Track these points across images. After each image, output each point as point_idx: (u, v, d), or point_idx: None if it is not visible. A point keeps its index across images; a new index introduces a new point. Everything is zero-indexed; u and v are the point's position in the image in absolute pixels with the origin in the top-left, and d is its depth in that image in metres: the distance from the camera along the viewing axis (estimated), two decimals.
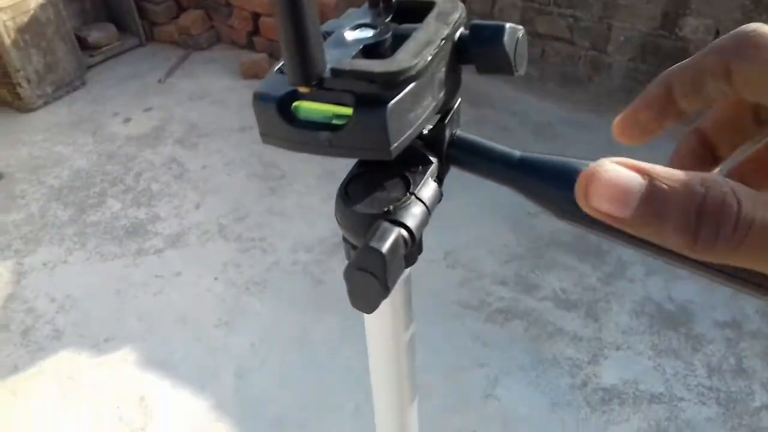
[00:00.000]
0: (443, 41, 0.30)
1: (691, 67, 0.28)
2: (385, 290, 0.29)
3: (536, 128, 2.87)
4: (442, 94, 0.32)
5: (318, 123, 0.30)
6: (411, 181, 0.34)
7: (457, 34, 0.32)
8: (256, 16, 3.34)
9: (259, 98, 0.31)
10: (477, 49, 0.32)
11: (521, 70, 0.33)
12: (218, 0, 3.45)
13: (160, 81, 3.28)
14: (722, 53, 0.26)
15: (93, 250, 2.37)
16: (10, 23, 2.91)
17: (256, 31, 3.40)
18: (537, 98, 3.06)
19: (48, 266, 2.32)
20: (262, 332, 2.02)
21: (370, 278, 0.29)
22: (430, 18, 0.31)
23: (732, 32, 0.26)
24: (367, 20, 0.32)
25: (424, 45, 0.29)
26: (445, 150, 0.35)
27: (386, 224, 0.30)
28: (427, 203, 0.34)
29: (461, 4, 0.33)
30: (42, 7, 3.03)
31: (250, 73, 3.22)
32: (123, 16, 3.54)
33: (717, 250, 0.21)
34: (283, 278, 2.18)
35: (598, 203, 0.22)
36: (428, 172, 0.34)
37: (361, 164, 0.34)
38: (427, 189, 0.34)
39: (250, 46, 3.46)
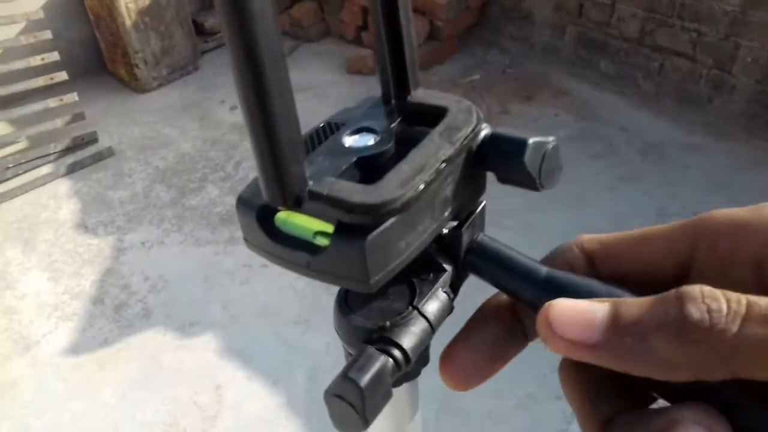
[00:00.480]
0: (444, 164, 0.26)
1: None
2: (364, 423, 0.26)
3: (645, 148, 2.72)
4: (448, 212, 0.28)
5: (299, 240, 0.27)
6: (417, 290, 0.30)
7: (475, 143, 0.28)
8: (366, 11, 3.35)
9: (242, 203, 0.28)
10: (496, 162, 0.29)
11: (551, 186, 0.29)
12: None
13: None
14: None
15: (189, 234, 2.45)
16: (132, 5, 3.05)
17: (365, 26, 3.41)
18: (650, 115, 2.90)
19: (146, 245, 2.42)
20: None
21: (348, 407, 0.26)
22: (434, 134, 0.27)
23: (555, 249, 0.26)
24: (371, 124, 0.29)
25: (418, 170, 0.26)
26: (463, 256, 0.31)
27: (371, 351, 0.27)
28: (431, 319, 0.30)
29: (476, 114, 0.29)
30: None
31: (355, 68, 3.23)
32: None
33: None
34: None
35: (565, 330, 0.22)
36: (439, 282, 0.30)
37: None
38: (434, 303, 0.30)
39: (358, 41, 3.47)
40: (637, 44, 2.91)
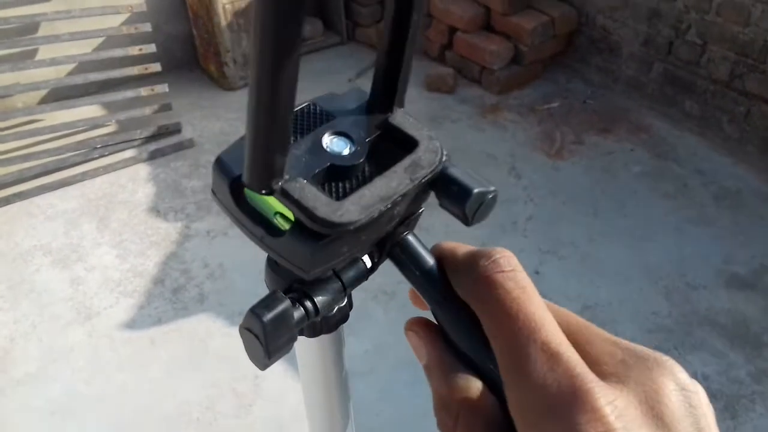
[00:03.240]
0: (401, 198, 0.30)
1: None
2: (267, 355, 0.30)
3: (720, 193, 2.63)
4: (392, 225, 0.32)
5: (260, 215, 0.30)
6: None
7: (432, 177, 0.31)
8: (452, 30, 3.38)
9: (219, 166, 0.31)
10: (442, 195, 0.32)
11: (479, 222, 0.33)
12: None
13: (349, 80, 3.43)
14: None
15: None
16: (229, 6, 3.19)
17: (449, 45, 3.44)
18: (731, 161, 2.80)
19: (210, 234, 2.52)
20: (378, 341, 2.04)
21: (255, 340, 0.30)
22: (400, 166, 0.30)
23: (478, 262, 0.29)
24: (351, 130, 0.32)
25: (377, 200, 0.29)
26: (388, 246, 0.34)
27: (279, 294, 0.31)
28: (345, 281, 0.34)
29: (440, 155, 0.31)
30: None
31: (434, 86, 3.26)
32: (331, 13, 3.74)
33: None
34: None
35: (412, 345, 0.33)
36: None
37: None
38: (350, 269, 0.34)
39: (441, 59, 3.50)
40: (725, 87, 2.82)
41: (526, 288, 0.28)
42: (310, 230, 0.28)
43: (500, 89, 3.26)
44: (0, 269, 2.39)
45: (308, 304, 0.32)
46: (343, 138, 0.32)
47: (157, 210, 2.64)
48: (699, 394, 0.26)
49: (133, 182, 2.79)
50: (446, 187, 0.31)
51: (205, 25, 3.29)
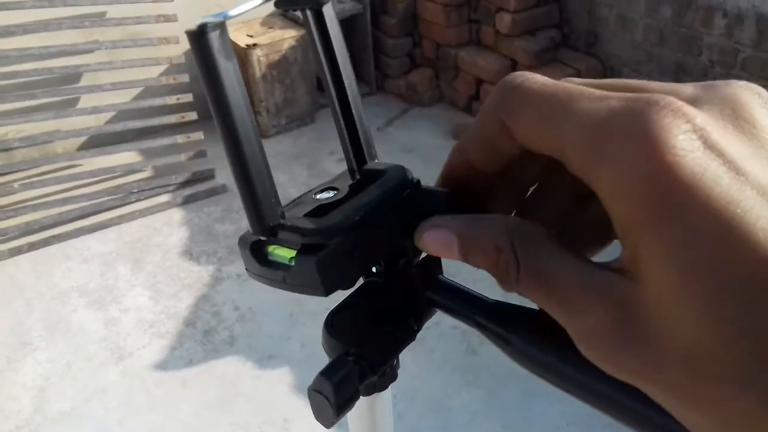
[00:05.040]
0: (376, 205, 0.33)
1: (477, 136, 0.28)
2: (336, 413, 0.34)
3: None
4: (388, 242, 0.35)
5: (279, 264, 0.34)
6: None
7: (404, 193, 0.35)
8: (479, 82, 3.46)
9: (241, 241, 0.36)
10: (416, 208, 0.35)
11: None
12: (448, 62, 3.62)
13: (378, 129, 3.51)
14: (494, 114, 0.26)
15: None
16: (263, 59, 3.31)
17: (476, 95, 3.52)
18: None
19: (241, 278, 2.57)
20: (406, 386, 2.06)
21: (324, 400, 0.34)
22: (373, 186, 0.34)
23: (499, 85, 0.26)
24: (335, 185, 0.37)
25: (355, 208, 0.33)
26: (422, 293, 0.37)
27: (343, 357, 0.35)
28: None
29: (407, 174, 0.35)
30: (292, 49, 3.40)
31: (461, 135, 3.33)
32: (362, 65, 3.85)
33: (511, 288, 0.26)
34: (439, 340, 2.21)
35: (433, 252, 0.30)
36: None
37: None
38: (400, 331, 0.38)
39: (468, 109, 3.58)
40: None
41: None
42: (311, 250, 0.31)
43: None
44: (37, 309, 2.46)
45: (366, 365, 0.36)
46: (329, 190, 0.36)
47: (190, 253, 2.71)
48: None
49: (167, 226, 2.86)
50: (419, 198, 0.35)
51: None
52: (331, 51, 0.36)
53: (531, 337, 0.25)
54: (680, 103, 0.20)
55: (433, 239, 0.29)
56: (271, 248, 0.34)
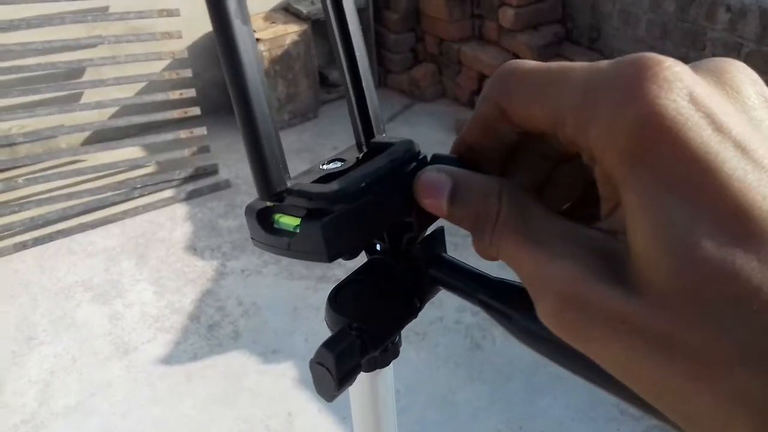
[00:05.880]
0: (382, 172, 0.33)
1: (477, 124, 0.29)
2: (337, 386, 0.34)
3: None
4: (393, 212, 0.35)
5: (284, 231, 0.34)
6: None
7: (410, 165, 0.35)
8: (481, 77, 3.46)
9: (247, 209, 0.36)
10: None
11: None
12: (450, 57, 3.62)
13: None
14: (491, 99, 0.27)
15: (285, 267, 2.59)
16: (266, 54, 3.31)
17: (479, 91, 3.52)
18: None
19: (245, 273, 2.58)
20: (410, 381, 2.06)
21: (325, 372, 0.34)
22: (380, 156, 0.35)
23: (494, 73, 0.27)
24: (342, 156, 0.37)
25: (361, 175, 0.33)
26: (425, 270, 0.37)
27: (346, 330, 0.35)
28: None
29: (414, 146, 0.35)
30: (295, 44, 3.40)
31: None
32: None
33: (485, 242, 0.26)
34: (443, 334, 2.22)
35: (423, 197, 0.29)
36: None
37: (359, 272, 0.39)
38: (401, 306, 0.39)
39: (471, 105, 3.58)
40: None
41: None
42: (316, 216, 0.31)
43: None
44: (42, 304, 2.47)
45: (368, 339, 0.36)
46: (336, 162, 0.36)
47: (193, 248, 2.71)
48: None
49: (171, 221, 2.87)
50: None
51: None
52: (344, 23, 0.36)
53: (533, 314, 0.25)
54: (668, 59, 0.21)
55: (427, 179, 0.29)
56: (276, 216, 0.34)
